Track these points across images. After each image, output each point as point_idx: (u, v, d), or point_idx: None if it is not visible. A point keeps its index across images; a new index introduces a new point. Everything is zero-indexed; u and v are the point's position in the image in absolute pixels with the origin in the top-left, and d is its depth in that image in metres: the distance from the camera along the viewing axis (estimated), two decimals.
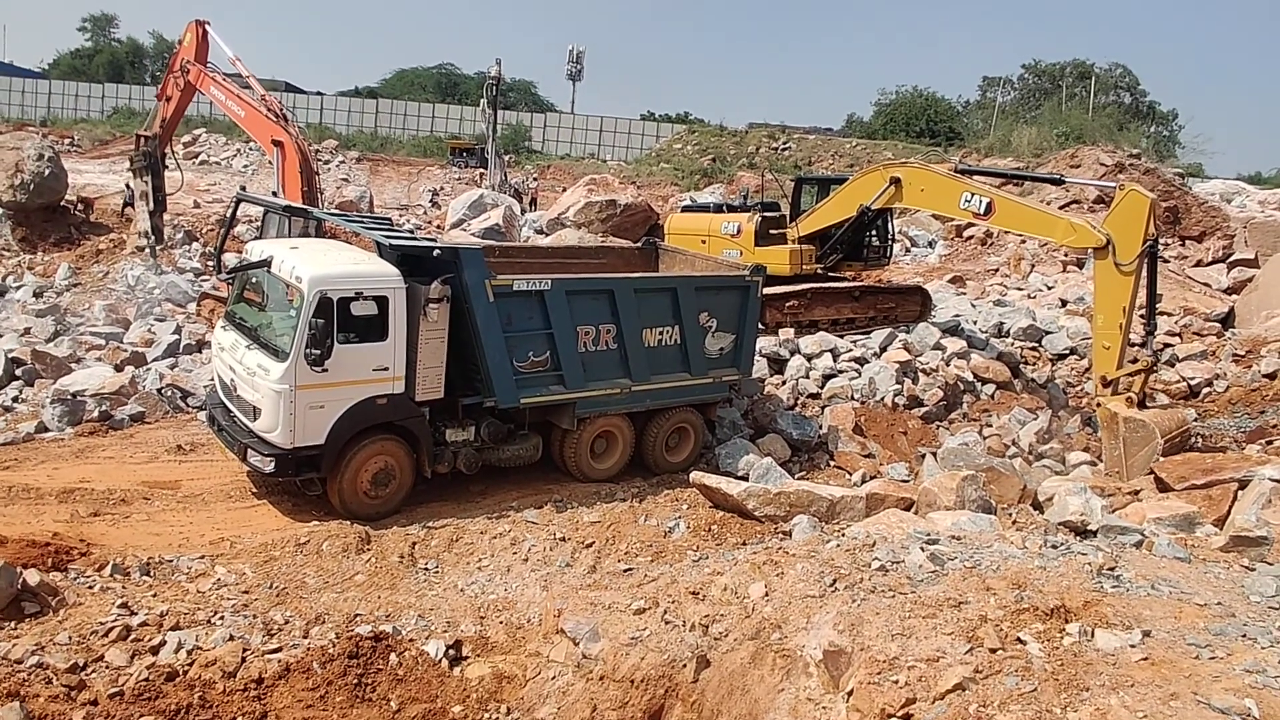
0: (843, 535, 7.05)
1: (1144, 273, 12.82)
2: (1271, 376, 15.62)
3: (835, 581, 5.87)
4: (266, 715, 5.90)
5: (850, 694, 4.90)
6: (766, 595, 6.02)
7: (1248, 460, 11.48)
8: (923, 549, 6.16)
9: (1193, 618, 5.01)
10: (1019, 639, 4.91)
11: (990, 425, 14.93)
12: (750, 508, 10.81)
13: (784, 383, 15.54)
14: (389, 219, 13.74)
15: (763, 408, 14.66)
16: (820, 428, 14.26)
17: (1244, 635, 4.79)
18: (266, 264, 10.19)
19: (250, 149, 40.00)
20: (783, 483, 11.59)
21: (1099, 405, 13.07)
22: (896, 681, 4.75)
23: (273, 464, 9.81)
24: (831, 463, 13.64)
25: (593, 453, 12.25)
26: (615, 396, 12.05)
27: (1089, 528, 7.56)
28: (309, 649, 6.74)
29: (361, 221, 12.20)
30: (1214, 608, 5.18)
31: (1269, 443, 13.29)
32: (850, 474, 13.08)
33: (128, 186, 24.61)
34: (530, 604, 8.52)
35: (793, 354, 16.15)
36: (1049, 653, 4.73)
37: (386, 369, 10.18)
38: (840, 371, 15.79)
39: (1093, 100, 50.05)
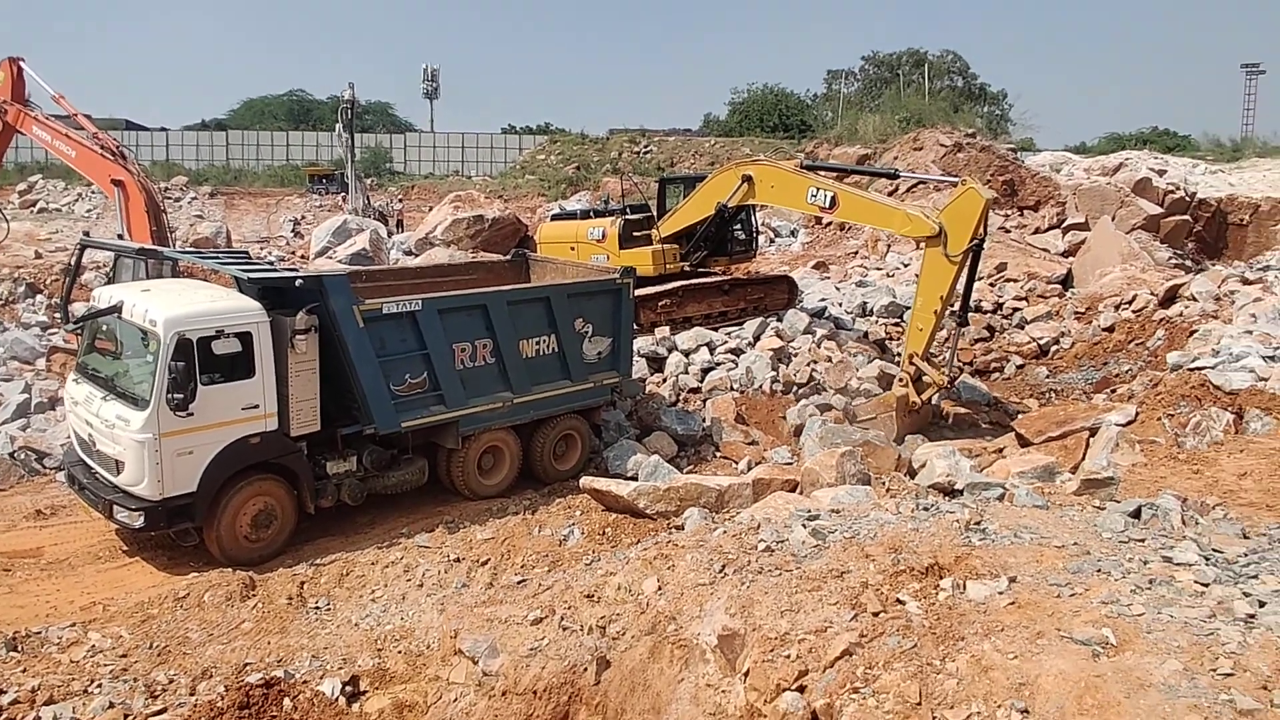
0: (728, 521, 7.24)
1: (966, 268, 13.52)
2: (1110, 329, 16.82)
3: (724, 567, 6.02)
4: None
5: (747, 674, 5.05)
6: (660, 589, 6.12)
7: (1095, 409, 12.34)
8: (804, 526, 6.39)
9: (1053, 560, 5.38)
10: (899, 600, 5.16)
11: None
12: (641, 506, 10.93)
13: (665, 380, 15.78)
14: (246, 253, 13.22)
15: (646, 407, 14.84)
16: (704, 421, 14.54)
17: (1099, 570, 5.18)
18: (117, 310, 9.72)
19: (94, 193, 37.67)
20: (671, 478, 11.76)
21: (901, 381, 13.98)
22: (788, 656, 4.92)
23: (142, 518, 9.33)
24: (718, 454, 13.92)
25: (481, 469, 12.16)
26: (498, 411, 12.01)
27: (956, 487, 8.00)
28: (196, 705, 6.44)
29: (217, 257, 11.74)
30: (1071, 548, 5.56)
31: (1113, 390, 14.31)
32: (736, 462, 13.38)
33: None
34: (429, 629, 8.36)
35: (670, 351, 16.42)
36: (926, 609, 4.99)
37: (257, 406, 9.85)
38: (718, 364, 16.14)
39: (928, 86, 52.61)
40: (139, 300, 9.66)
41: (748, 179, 16.40)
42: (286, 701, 6.43)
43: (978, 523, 6.00)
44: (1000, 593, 4.96)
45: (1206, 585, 4.75)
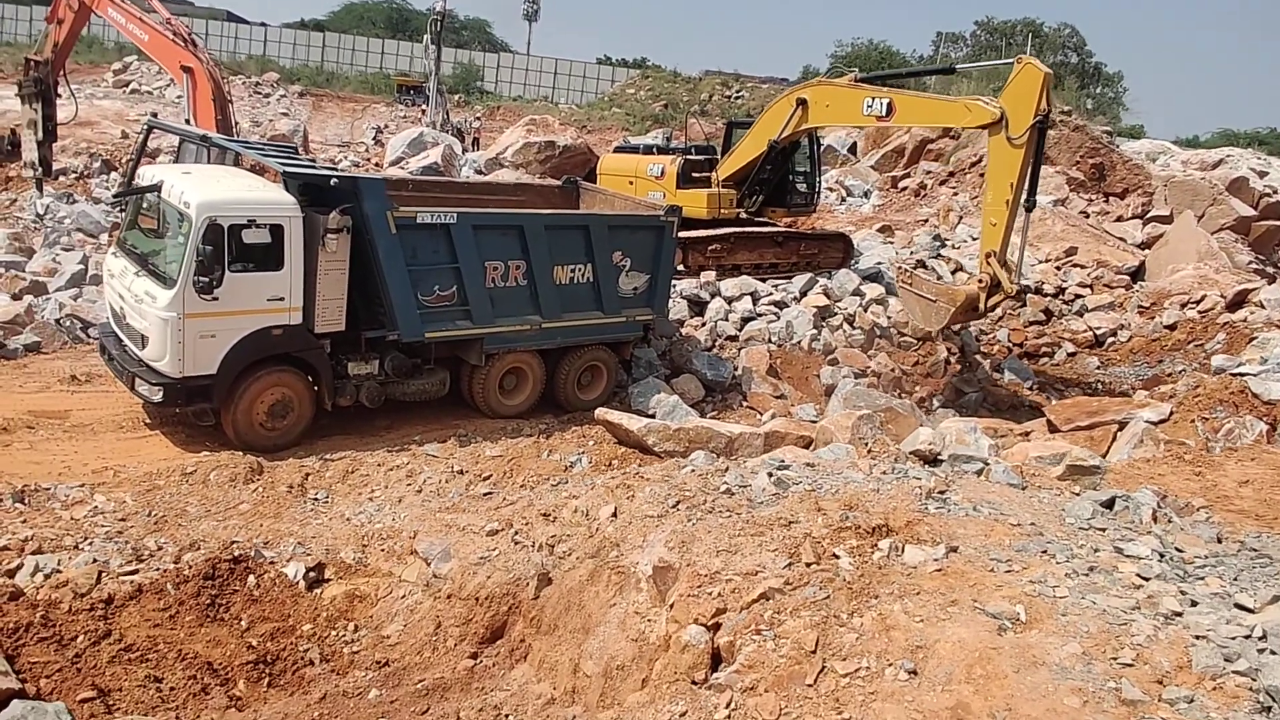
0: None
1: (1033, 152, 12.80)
2: (1172, 327, 16.09)
3: (678, 503, 6.03)
4: (110, 634, 5.89)
5: (672, 606, 5.08)
6: (614, 516, 6.17)
7: (1130, 403, 11.88)
8: (770, 474, 6.34)
9: (1001, 535, 5.24)
10: (834, 554, 5.10)
11: None
12: (650, 443, 10.95)
13: (703, 325, 15.65)
14: (295, 148, 13.44)
15: (680, 349, 14.77)
16: (735, 369, 14.42)
17: (1044, 552, 5.02)
18: (156, 188, 10.02)
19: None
20: (685, 419, 11.74)
21: (980, 282, 13.47)
22: (712, 594, 4.93)
23: (160, 393, 9.70)
24: (744, 403, 13.82)
25: (502, 389, 12.24)
26: (525, 333, 12.05)
27: (939, 456, 7.82)
28: (165, 571, 6.75)
29: (262, 149, 11.97)
30: (1026, 527, 5.40)
31: (1160, 389, 13.73)
32: (761, 414, 13.27)
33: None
34: None
35: (713, 296, 16.23)
36: (858, 566, 4.93)
37: (282, 299, 10.09)
38: (759, 315, 15.92)
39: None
40: (178, 181, 9.93)
41: (802, 103, 16.02)
42: (251, 579, 6.70)
43: (941, 492, 5.87)
44: (935, 560, 4.87)
45: (1147, 580, 4.58)
